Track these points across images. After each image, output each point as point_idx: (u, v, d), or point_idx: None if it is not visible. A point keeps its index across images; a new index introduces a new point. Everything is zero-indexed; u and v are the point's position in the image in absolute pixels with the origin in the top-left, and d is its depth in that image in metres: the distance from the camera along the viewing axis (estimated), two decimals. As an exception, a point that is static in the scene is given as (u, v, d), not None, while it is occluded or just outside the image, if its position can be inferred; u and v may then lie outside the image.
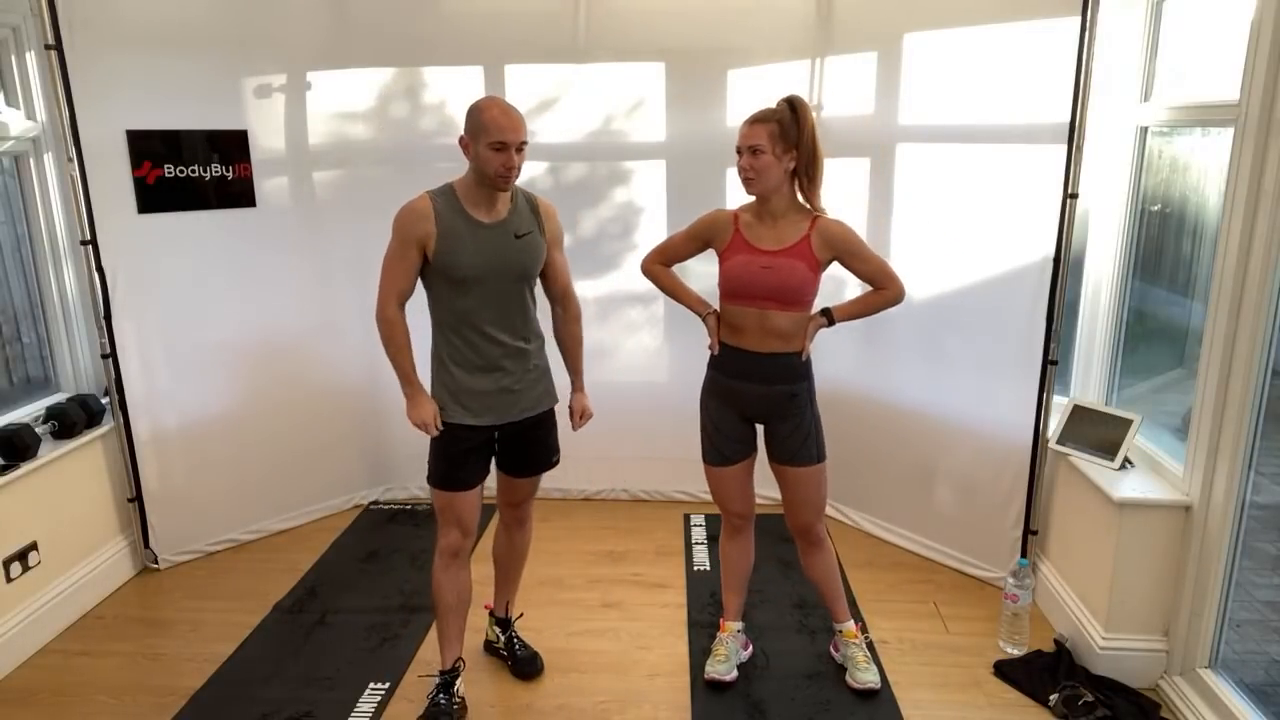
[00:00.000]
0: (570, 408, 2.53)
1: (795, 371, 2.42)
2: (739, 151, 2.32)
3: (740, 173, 2.33)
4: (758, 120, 2.29)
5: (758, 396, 2.43)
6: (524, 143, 2.19)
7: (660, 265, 2.57)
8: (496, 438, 2.41)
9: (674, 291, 2.56)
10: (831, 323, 2.43)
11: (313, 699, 2.57)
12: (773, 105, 2.34)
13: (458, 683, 2.47)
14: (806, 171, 2.33)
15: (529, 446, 2.48)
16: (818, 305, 2.44)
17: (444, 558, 2.40)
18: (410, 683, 2.64)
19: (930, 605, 3.06)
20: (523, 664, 2.67)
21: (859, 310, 2.45)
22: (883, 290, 2.41)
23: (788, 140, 2.28)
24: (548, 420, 2.49)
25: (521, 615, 2.78)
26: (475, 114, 2.18)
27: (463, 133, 2.21)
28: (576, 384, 2.56)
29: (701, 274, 2.95)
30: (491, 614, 2.76)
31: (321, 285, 3.60)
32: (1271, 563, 2.42)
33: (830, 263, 2.38)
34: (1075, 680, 2.56)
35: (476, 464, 2.40)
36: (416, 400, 2.31)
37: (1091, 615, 2.69)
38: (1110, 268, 3.02)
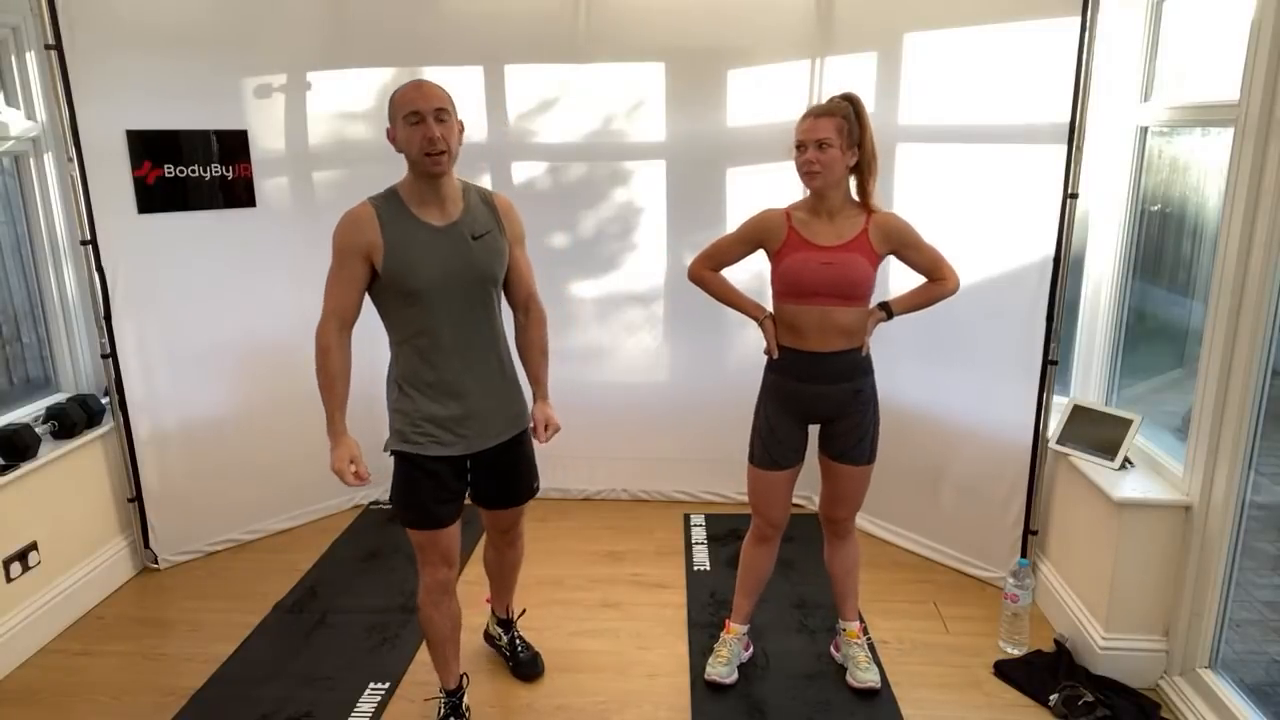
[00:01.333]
0: (533, 418, 2.29)
1: (859, 367, 2.40)
2: (800, 146, 2.27)
3: (804, 167, 2.28)
4: (824, 114, 2.25)
5: (823, 397, 2.40)
6: (442, 110, 1.96)
7: (709, 270, 2.49)
8: (469, 466, 2.22)
9: (726, 296, 2.48)
10: (890, 316, 2.40)
11: (313, 699, 2.57)
12: (827, 101, 2.32)
13: (465, 702, 2.43)
14: (868, 167, 2.33)
15: (504, 475, 2.29)
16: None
17: (431, 594, 2.25)
18: (410, 683, 2.64)
19: (930, 605, 3.06)
20: (524, 666, 2.65)
21: (918, 302, 2.44)
22: (941, 281, 2.42)
23: (852, 136, 2.27)
24: (523, 443, 2.30)
25: (524, 612, 2.76)
26: (390, 100, 2.00)
27: (388, 126, 2.03)
28: (539, 393, 2.33)
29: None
30: (494, 612, 2.73)
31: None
32: (1271, 563, 2.42)
33: (887, 255, 2.38)
34: (1075, 680, 2.56)
35: (450, 498, 2.18)
36: (335, 444, 2.08)
37: (1091, 615, 2.69)
38: (1110, 268, 3.02)
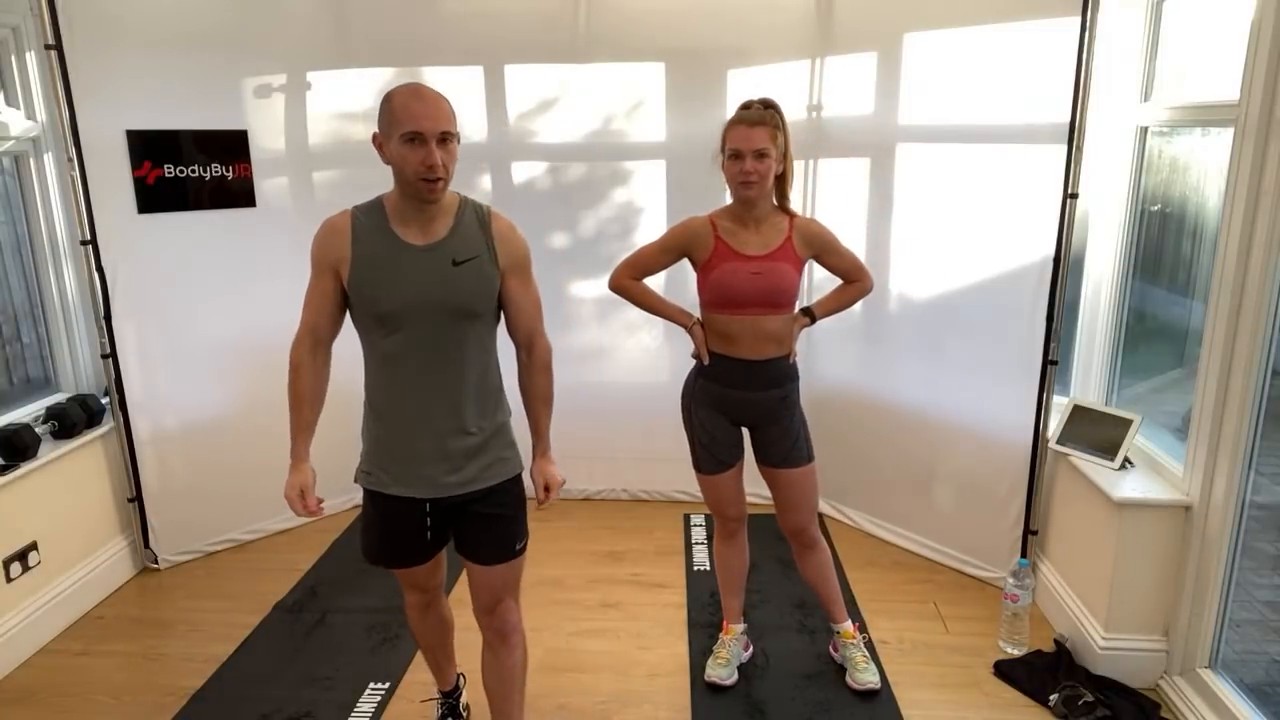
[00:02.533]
0: (532, 478, 2.04)
1: (787, 374, 2.43)
2: (737, 155, 2.24)
3: (740, 177, 2.24)
4: (758, 123, 2.23)
5: (752, 403, 2.43)
6: (448, 134, 1.74)
7: (631, 280, 2.46)
8: (428, 510, 1.96)
9: (651, 305, 2.47)
10: (813, 320, 2.45)
11: (313, 699, 2.57)
12: (751, 107, 2.27)
13: (463, 700, 2.43)
14: (788, 173, 2.34)
15: (477, 527, 1.98)
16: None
17: (415, 609, 2.20)
18: (410, 683, 2.64)
19: (930, 605, 3.06)
20: None
21: (838, 305, 2.49)
22: (857, 283, 2.47)
23: (780, 144, 2.27)
24: (507, 492, 1.99)
25: None
26: (385, 104, 1.75)
27: (375, 130, 1.80)
28: (539, 448, 2.05)
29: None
30: None
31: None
32: (1271, 563, 2.42)
33: (809, 260, 2.40)
34: (1075, 680, 2.56)
35: (413, 540, 1.99)
36: (291, 470, 1.94)
37: (1091, 615, 2.69)
38: (1110, 268, 3.02)
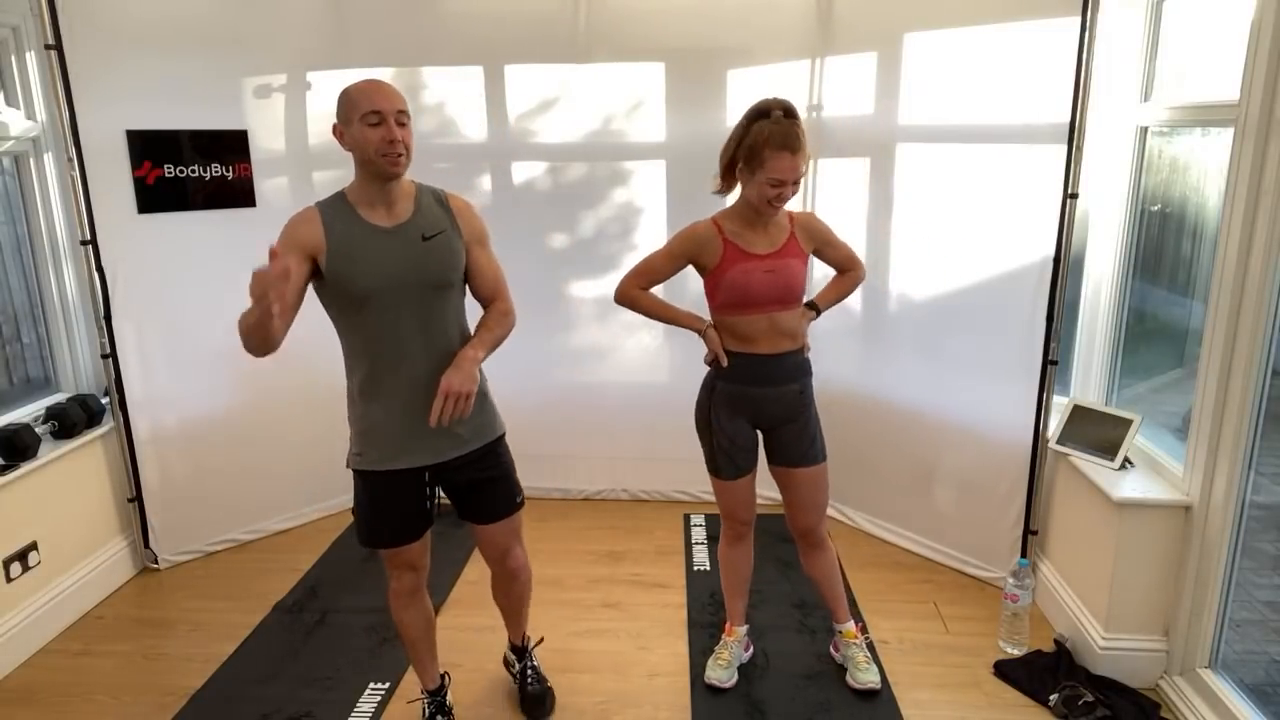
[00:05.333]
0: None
1: (803, 368, 2.45)
2: (779, 183, 2.20)
3: (774, 201, 2.23)
4: (800, 149, 2.18)
5: (773, 399, 2.42)
6: (402, 112, 1.92)
7: (640, 289, 2.43)
8: (427, 480, 2.12)
9: (661, 313, 2.45)
10: (819, 313, 2.47)
11: (313, 699, 2.57)
12: (794, 130, 2.20)
13: (448, 699, 2.44)
14: None
15: (478, 489, 2.18)
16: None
17: (399, 599, 2.25)
18: (410, 682, 2.64)
19: (930, 605, 3.06)
20: (530, 700, 2.49)
21: (838, 295, 2.53)
22: (851, 273, 2.52)
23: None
24: (496, 454, 2.18)
25: (542, 640, 2.64)
26: (343, 96, 1.93)
27: (335, 122, 1.95)
28: (463, 351, 2.00)
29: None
30: (509, 638, 2.60)
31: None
32: (1271, 563, 2.42)
33: (810, 254, 2.42)
34: (1075, 680, 2.56)
35: (410, 514, 2.12)
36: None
37: (1091, 615, 2.69)
38: (1110, 268, 3.02)
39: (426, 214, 2.03)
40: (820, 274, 2.71)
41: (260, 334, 1.81)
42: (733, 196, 2.40)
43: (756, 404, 2.43)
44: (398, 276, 1.96)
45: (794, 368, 2.42)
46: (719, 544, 2.67)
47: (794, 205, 2.41)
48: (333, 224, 1.96)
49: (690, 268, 2.41)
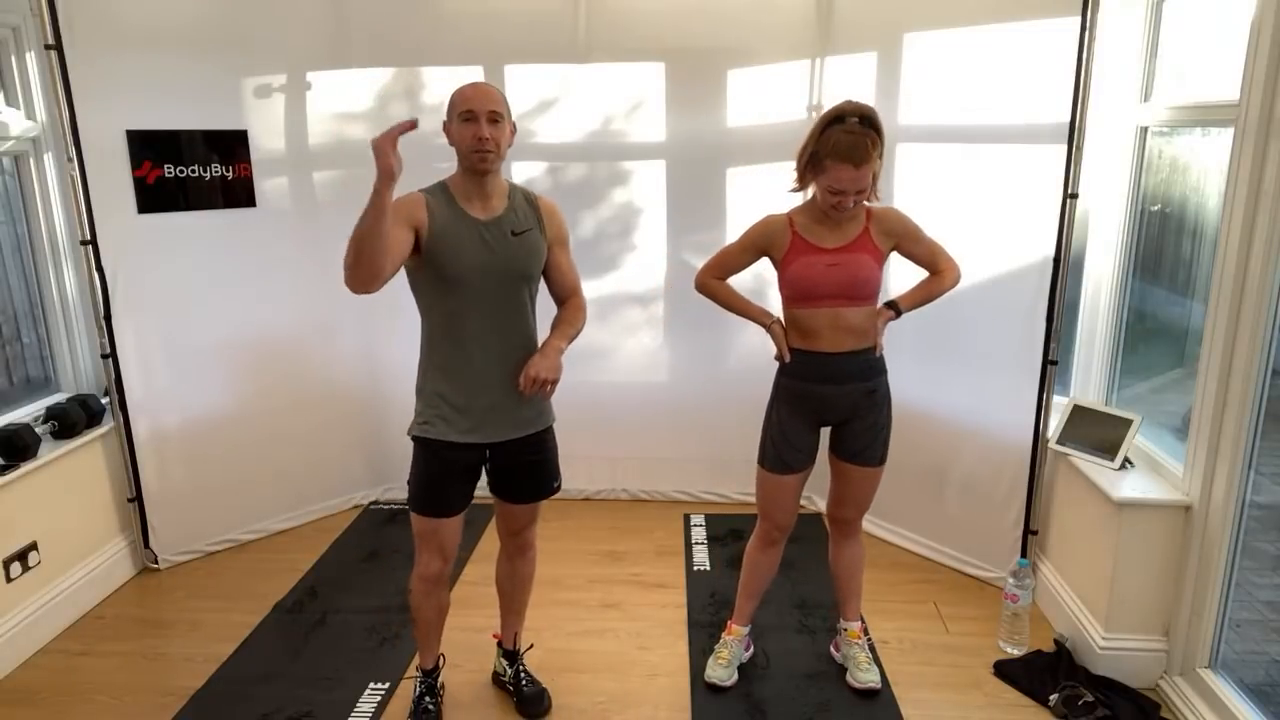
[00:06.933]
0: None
1: (873, 367, 2.39)
2: (840, 192, 2.20)
3: (835, 209, 2.24)
4: (864, 161, 2.16)
5: (835, 398, 2.39)
6: (495, 113, 2.05)
7: (716, 280, 2.46)
8: (487, 458, 2.26)
9: (733, 304, 2.45)
10: (899, 314, 2.39)
11: (313, 699, 2.57)
12: (864, 141, 2.17)
13: (440, 680, 2.49)
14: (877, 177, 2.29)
15: (525, 470, 2.32)
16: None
17: (424, 584, 2.31)
18: (410, 683, 2.64)
19: (930, 605, 3.06)
20: (528, 701, 2.51)
21: (923, 297, 2.42)
22: (942, 273, 2.42)
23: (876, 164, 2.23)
24: (545, 441, 2.33)
25: (531, 647, 2.67)
26: (450, 97, 2.10)
27: (444, 119, 2.13)
28: (549, 341, 2.19)
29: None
30: (500, 645, 2.63)
31: (321, 285, 3.59)
32: (1271, 563, 2.42)
33: (891, 251, 2.38)
34: (1075, 680, 2.56)
35: (462, 487, 2.25)
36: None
37: (1091, 615, 2.69)
38: (1110, 268, 3.02)
39: (517, 211, 2.19)
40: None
41: (371, 242, 1.87)
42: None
43: (817, 402, 2.40)
44: (488, 265, 2.11)
45: (859, 366, 2.37)
46: (749, 543, 2.62)
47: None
48: (435, 208, 2.10)
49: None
